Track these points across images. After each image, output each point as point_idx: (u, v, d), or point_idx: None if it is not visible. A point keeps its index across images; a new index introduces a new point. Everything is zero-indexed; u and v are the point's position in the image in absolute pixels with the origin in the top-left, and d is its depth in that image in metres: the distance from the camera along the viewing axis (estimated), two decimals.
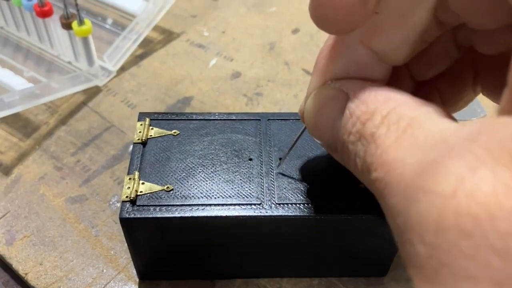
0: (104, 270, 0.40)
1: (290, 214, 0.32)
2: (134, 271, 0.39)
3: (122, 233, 0.34)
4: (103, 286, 0.39)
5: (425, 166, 0.17)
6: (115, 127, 0.51)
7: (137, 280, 0.39)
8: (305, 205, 0.33)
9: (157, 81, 0.57)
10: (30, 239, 0.42)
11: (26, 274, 0.40)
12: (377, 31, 0.23)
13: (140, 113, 0.38)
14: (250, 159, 0.36)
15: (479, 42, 0.26)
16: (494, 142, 0.15)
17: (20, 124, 0.52)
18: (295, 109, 0.53)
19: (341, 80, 0.25)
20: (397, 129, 0.20)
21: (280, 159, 0.35)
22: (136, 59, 0.59)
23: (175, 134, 0.37)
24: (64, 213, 0.44)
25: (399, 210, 0.17)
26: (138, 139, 0.36)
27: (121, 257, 0.41)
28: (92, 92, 0.55)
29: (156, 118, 0.38)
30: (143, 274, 0.38)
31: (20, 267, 0.41)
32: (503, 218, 0.14)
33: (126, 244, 0.36)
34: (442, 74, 0.29)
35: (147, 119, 0.38)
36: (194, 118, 0.38)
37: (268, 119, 0.38)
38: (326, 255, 0.37)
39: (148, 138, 0.37)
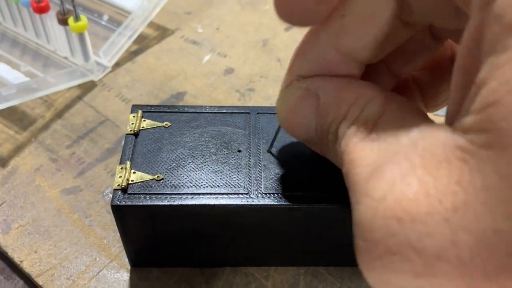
0: (97, 258, 0.41)
1: (276, 203, 0.33)
2: (126, 260, 0.40)
3: (115, 223, 0.35)
4: (96, 273, 0.40)
5: (375, 169, 0.19)
6: (109, 121, 0.52)
7: (129, 267, 0.40)
8: (291, 194, 0.34)
9: (151, 76, 0.58)
10: (26, 228, 0.43)
11: (21, 261, 0.41)
12: (344, 33, 0.24)
13: (133, 105, 0.40)
14: (239, 151, 0.37)
15: (452, 36, 0.27)
16: (428, 149, 0.17)
17: (16, 117, 0.53)
18: None
19: (308, 79, 0.26)
20: (365, 129, 0.21)
21: (268, 151, 0.37)
22: (131, 55, 0.60)
23: (167, 126, 0.38)
24: (59, 203, 0.45)
25: (352, 207, 0.20)
26: (131, 130, 0.37)
27: (114, 246, 0.42)
28: (88, 87, 0.56)
29: (148, 111, 0.39)
30: (135, 262, 0.40)
31: (15, 255, 0.42)
32: (421, 220, 0.16)
33: (118, 234, 0.37)
34: (421, 68, 0.30)
35: (140, 111, 0.39)
36: (185, 110, 0.39)
37: (258, 113, 0.39)
38: (312, 244, 0.38)
39: (140, 130, 0.38)
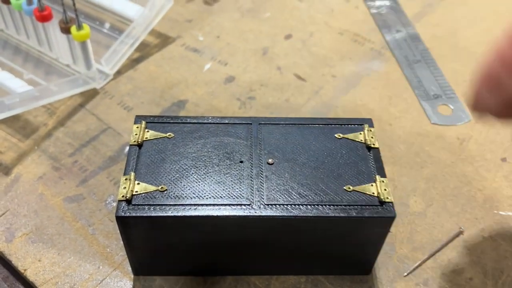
0: (101, 267, 0.42)
1: (278, 214, 0.34)
2: (129, 268, 0.41)
3: (118, 231, 0.36)
4: (99, 282, 0.41)
5: None
6: (111, 129, 0.53)
7: (132, 276, 0.41)
8: (293, 206, 0.35)
9: (153, 84, 0.58)
10: (29, 236, 0.44)
11: (25, 270, 0.42)
12: None
13: (136, 116, 0.40)
14: (241, 162, 0.37)
15: None
16: None
17: (19, 125, 0.53)
18: (287, 113, 0.55)
19: None
20: None
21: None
22: (133, 62, 0.61)
23: (170, 136, 0.39)
24: (62, 212, 0.46)
25: None
26: (134, 141, 0.38)
27: (117, 255, 0.42)
28: (90, 95, 0.57)
29: (152, 121, 0.40)
30: (138, 270, 0.40)
31: (19, 263, 0.42)
32: None
33: (121, 242, 0.38)
34: None
35: (143, 122, 0.39)
36: (188, 121, 0.40)
37: (259, 123, 0.40)
38: (313, 254, 0.39)
39: (144, 140, 0.38)
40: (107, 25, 0.65)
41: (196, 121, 0.40)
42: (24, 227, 0.44)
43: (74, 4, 0.52)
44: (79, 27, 0.54)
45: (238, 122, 0.40)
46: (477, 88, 0.31)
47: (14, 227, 0.44)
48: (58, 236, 0.44)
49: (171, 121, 0.40)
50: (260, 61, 0.62)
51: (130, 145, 0.38)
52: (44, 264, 0.42)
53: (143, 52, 0.62)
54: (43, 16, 0.56)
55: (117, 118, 0.54)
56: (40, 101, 0.53)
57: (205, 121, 0.40)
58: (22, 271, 0.42)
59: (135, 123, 0.39)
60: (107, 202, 0.46)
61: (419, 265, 0.41)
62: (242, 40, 0.65)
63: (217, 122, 0.40)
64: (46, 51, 0.60)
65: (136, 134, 0.38)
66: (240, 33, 0.66)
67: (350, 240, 0.37)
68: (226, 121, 0.40)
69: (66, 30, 0.55)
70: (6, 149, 0.51)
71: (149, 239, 0.36)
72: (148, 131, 0.39)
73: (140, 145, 0.38)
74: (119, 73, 0.59)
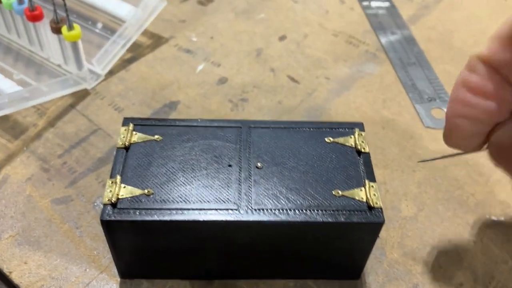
0: (87, 270, 0.41)
1: (265, 219, 0.34)
2: (116, 271, 0.40)
3: None
4: (85, 285, 0.40)
5: None
6: (102, 130, 0.52)
7: (119, 279, 0.40)
8: (280, 210, 0.34)
9: (144, 85, 0.58)
10: (16, 238, 0.43)
11: (10, 272, 0.41)
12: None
13: (124, 118, 0.40)
14: (230, 165, 0.37)
15: None
16: None
17: (8, 125, 0.53)
18: (279, 116, 0.54)
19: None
20: None
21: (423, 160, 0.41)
22: (124, 63, 0.60)
23: (158, 139, 0.38)
24: (50, 213, 0.45)
25: None
26: (122, 144, 0.37)
27: (104, 257, 0.42)
28: (80, 95, 0.56)
29: (139, 124, 0.39)
30: (124, 274, 0.40)
31: (4, 266, 0.41)
32: None
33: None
34: None
35: (131, 124, 0.39)
36: (176, 124, 0.39)
37: (249, 127, 0.40)
38: (301, 259, 0.38)
39: (131, 143, 0.38)
40: (99, 25, 0.65)
41: (184, 124, 0.39)
42: (11, 229, 0.44)
43: (65, 4, 0.51)
44: (70, 28, 0.53)
45: (227, 125, 0.40)
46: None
47: (1, 229, 0.44)
48: (45, 238, 0.43)
49: (159, 124, 0.39)
50: (254, 62, 0.61)
51: (117, 148, 0.37)
52: (30, 267, 0.41)
53: (135, 52, 0.62)
54: (34, 16, 0.55)
55: (107, 119, 0.54)
56: (30, 102, 0.52)
57: (194, 124, 0.39)
58: (8, 273, 0.41)
59: (123, 125, 0.39)
60: (96, 204, 0.46)
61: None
62: (235, 41, 0.64)
63: (206, 125, 0.39)
64: (37, 51, 0.60)
65: (123, 137, 0.38)
66: (234, 34, 0.66)
67: (339, 245, 0.36)
68: (215, 124, 0.40)
69: (57, 30, 0.54)
70: None
71: (135, 242, 0.36)
72: (136, 134, 0.38)
73: (127, 148, 0.37)
74: (110, 73, 0.59)
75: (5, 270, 0.41)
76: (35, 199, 0.46)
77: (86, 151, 0.50)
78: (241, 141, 0.38)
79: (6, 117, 0.53)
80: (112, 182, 0.35)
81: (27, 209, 0.45)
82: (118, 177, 0.35)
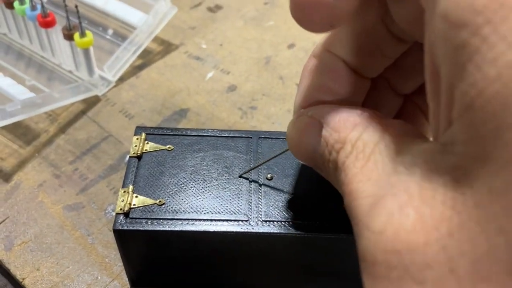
0: (99, 277, 0.42)
1: (275, 231, 0.34)
2: (127, 279, 0.41)
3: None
4: None
5: (374, 201, 0.19)
6: (112, 137, 0.53)
7: (129, 287, 0.41)
8: (290, 223, 0.34)
9: (155, 92, 0.58)
10: (28, 245, 0.44)
11: (23, 279, 0.42)
12: (336, 37, 0.26)
13: (137, 127, 0.40)
14: (240, 176, 0.37)
15: None
16: (424, 177, 0.17)
17: (20, 131, 0.53)
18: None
19: (313, 108, 0.27)
20: (363, 157, 0.21)
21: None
22: (135, 69, 0.61)
23: (170, 149, 0.39)
24: (62, 220, 0.46)
25: (355, 239, 0.20)
26: (134, 153, 0.38)
27: (115, 265, 0.42)
28: (92, 102, 0.57)
29: (152, 133, 0.40)
30: (135, 282, 0.40)
31: (17, 272, 0.42)
32: (419, 251, 0.16)
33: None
34: (422, 86, 0.30)
35: (143, 134, 0.39)
36: (188, 134, 0.40)
37: (259, 137, 0.40)
38: (311, 272, 0.39)
39: (143, 152, 0.38)
40: (110, 31, 0.65)
41: (196, 134, 0.40)
42: (23, 235, 0.45)
43: (77, 12, 0.52)
44: (82, 34, 0.54)
45: (238, 135, 0.40)
46: None
47: (14, 235, 0.44)
48: (57, 245, 0.44)
49: (171, 133, 0.40)
50: (263, 70, 0.62)
51: (130, 157, 0.38)
52: (42, 273, 0.42)
53: (146, 59, 0.62)
54: (47, 22, 0.56)
55: (118, 126, 0.54)
56: (42, 108, 0.53)
57: (205, 134, 0.40)
58: (21, 280, 0.42)
59: (135, 134, 0.39)
60: (107, 211, 0.46)
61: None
62: (244, 49, 0.65)
63: (217, 135, 0.40)
64: (49, 57, 0.60)
65: (135, 146, 0.38)
66: (243, 41, 0.66)
67: (348, 258, 0.37)
68: (226, 134, 0.40)
69: (69, 37, 0.55)
70: (7, 155, 0.51)
71: (146, 252, 0.36)
72: (148, 143, 0.39)
73: (139, 157, 0.38)
74: (121, 80, 0.59)
75: (18, 277, 0.42)
76: (47, 206, 0.47)
77: (97, 158, 0.51)
78: (252, 152, 0.39)
79: (18, 123, 0.54)
80: (124, 192, 0.35)
81: (39, 216, 0.46)
82: (131, 187, 0.35)
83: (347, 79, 0.27)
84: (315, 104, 0.27)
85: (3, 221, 0.45)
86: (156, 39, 0.65)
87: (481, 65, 0.15)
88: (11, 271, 0.42)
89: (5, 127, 0.53)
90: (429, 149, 0.18)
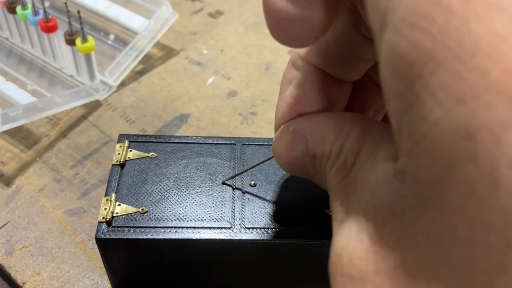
0: (99, 282, 0.43)
1: (258, 238, 0.34)
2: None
3: None
4: None
5: (342, 219, 0.19)
6: (113, 142, 0.54)
7: None
8: (274, 229, 0.35)
9: (156, 97, 0.59)
10: (29, 249, 0.45)
11: (24, 283, 0.43)
12: (312, 47, 0.26)
13: (120, 134, 0.40)
14: (223, 183, 0.38)
15: None
16: (382, 199, 0.17)
17: (22, 135, 0.55)
18: None
19: (293, 122, 0.26)
20: (344, 169, 0.21)
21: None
22: (136, 74, 0.62)
23: (153, 156, 0.39)
24: (62, 225, 0.47)
25: None
26: (117, 161, 0.38)
27: None
28: (93, 106, 0.58)
29: (135, 140, 0.40)
30: None
31: (18, 277, 0.43)
32: (369, 279, 0.17)
33: None
34: None
35: (126, 141, 0.40)
36: (171, 141, 0.40)
37: (243, 144, 0.40)
38: (294, 277, 0.39)
39: (126, 160, 0.39)
40: (111, 36, 0.66)
41: (179, 141, 0.40)
42: (24, 239, 0.46)
43: (79, 17, 0.53)
44: (84, 40, 0.55)
45: (221, 142, 0.40)
46: None
47: (14, 240, 0.45)
48: (57, 249, 0.45)
49: (155, 141, 0.40)
50: (263, 76, 0.62)
51: (112, 165, 0.38)
52: (43, 278, 0.43)
53: (147, 64, 0.63)
54: (49, 27, 0.57)
55: (119, 130, 0.55)
56: (44, 113, 0.54)
57: (189, 141, 0.40)
58: (21, 284, 0.43)
59: (118, 142, 0.40)
60: None
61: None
62: (245, 55, 0.65)
63: (201, 142, 0.40)
64: (51, 62, 0.61)
65: (118, 154, 0.39)
66: (244, 47, 0.66)
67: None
68: (210, 141, 0.40)
69: (71, 42, 0.56)
70: (8, 159, 0.52)
71: (129, 260, 0.37)
72: (131, 151, 0.39)
73: (122, 165, 0.38)
74: (122, 85, 0.60)
75: (19, 281, 0.43)
76: (48, 210, 0.48)
77: (98, 163, 0.52)
78: (236, 159, 0.39)
79: (19, 127, 0.55)
80: (107, 200, 0.36)
81: (40, 220, 0.47)
82: (113, 195, 0.36)
83: (327, 88, 0.27)
84: (297, 116, 0.27)
85: (4, 225, 0.47)
86: (157, 45, 0.65)
87: (414, 120, 0.15)
88: (11, 275, 0.43)
89: (6, 131, 0.55)
90: (390, 171, 0.18)
